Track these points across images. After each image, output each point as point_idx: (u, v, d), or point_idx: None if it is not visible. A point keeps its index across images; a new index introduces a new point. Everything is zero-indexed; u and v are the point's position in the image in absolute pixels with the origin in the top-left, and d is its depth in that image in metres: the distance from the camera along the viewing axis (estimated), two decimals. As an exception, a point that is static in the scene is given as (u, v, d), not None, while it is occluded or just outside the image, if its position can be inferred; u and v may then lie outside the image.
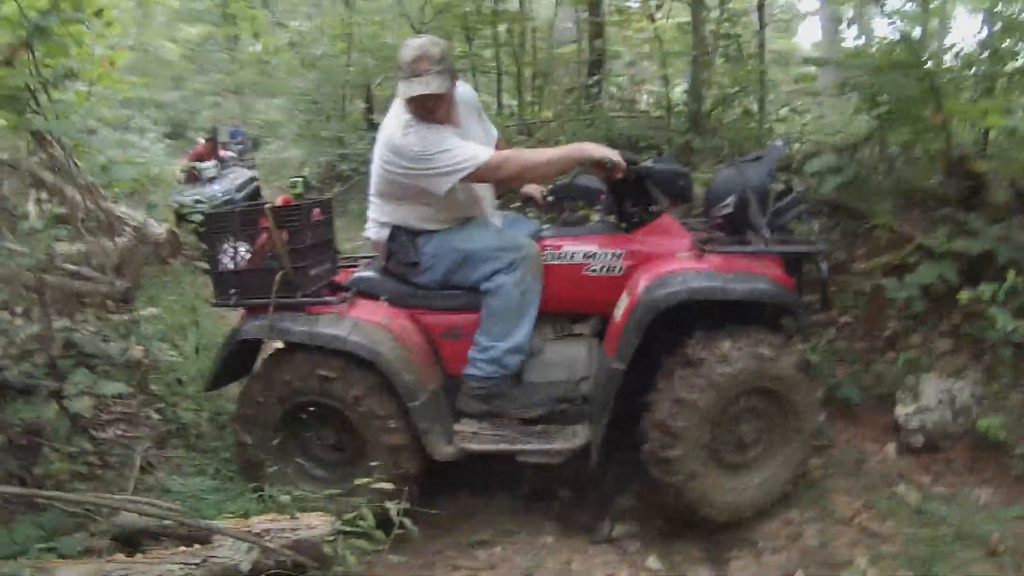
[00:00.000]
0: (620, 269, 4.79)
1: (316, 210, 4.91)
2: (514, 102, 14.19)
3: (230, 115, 21.98)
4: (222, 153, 13.59)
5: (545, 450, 4.70)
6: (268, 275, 4.59)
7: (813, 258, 4.87)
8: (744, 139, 9.46)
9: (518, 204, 6.02)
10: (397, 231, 4.87)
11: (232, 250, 4.69)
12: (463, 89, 5.02)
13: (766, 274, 4.52)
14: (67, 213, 6.50)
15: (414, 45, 4.55)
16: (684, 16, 11.70)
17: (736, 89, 10.33)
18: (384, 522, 3.96)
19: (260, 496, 4.54)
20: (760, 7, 10.55)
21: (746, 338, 4.53)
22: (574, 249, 4.82)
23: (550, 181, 5.25)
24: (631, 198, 4.94)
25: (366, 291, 4.96)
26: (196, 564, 3.58)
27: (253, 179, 13.62)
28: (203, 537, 3.81)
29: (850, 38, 19.09)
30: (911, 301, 6.06)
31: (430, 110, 4.56)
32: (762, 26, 10.63)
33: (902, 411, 5.71)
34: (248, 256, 4.68)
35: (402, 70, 4.52)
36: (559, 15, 15.21)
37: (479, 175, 4.57)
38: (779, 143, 5.34)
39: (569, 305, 4.98)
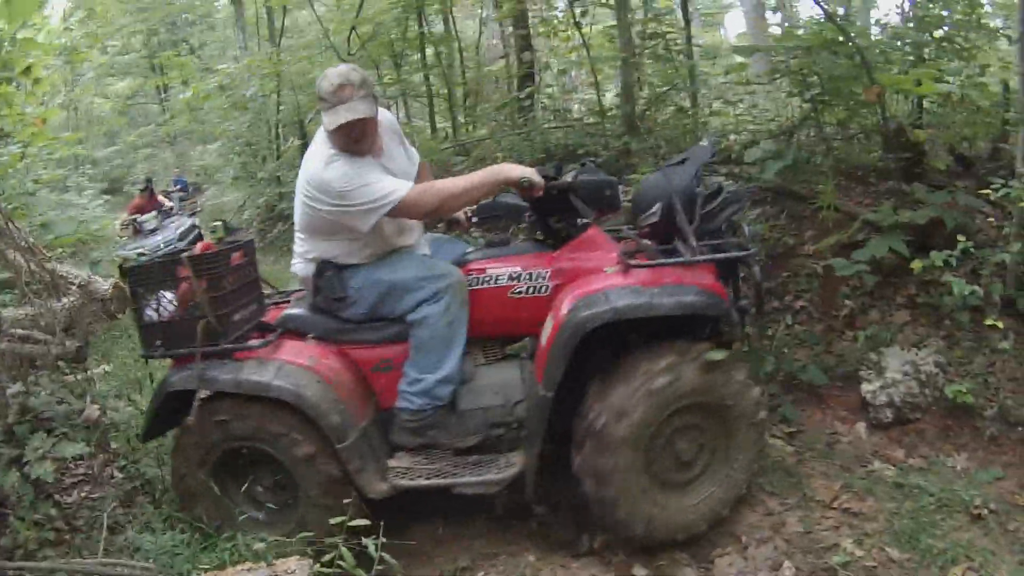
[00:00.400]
0: (547, 289, 4.64)
1: (236, 254, 4.82)
2: (447, 124, 14.09)
3: (165, 165, 21.85)
4: (162, 202, 13.50)
5: (479, 481, 4.54)
6: (192, 324, 4.48)
7: (745, 262, 4.57)
8: (680, 136, 9.49)
9: (443, 227, 5.77)
10: (324, 266, 4.75)
11: (155, 301, 4.58)
12: (383, 115, 4.88)
13: (696, 284, 4.31)
14: (10, 277, 6.38)
15: (334, 74, 4.45)
16: (609, 21, 11.70)
17: (667, 87, 10.34)
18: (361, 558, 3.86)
19: (234, 546, 4.40)
20: (684, 4, 10.56)
21: (679, 351, 4.36)
22: (498, 271, 4.70)
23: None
24: (556, 213, 4.78)
25: (295, 329, 4.86)
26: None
27: (194, 226, 13.49)
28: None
29: (775, 25, 19.18)
30: (862, 277, 6.08)
31: (356, 139, 4.47)
32: (687, 22, 10.63)
33: (868, 388, 5.74)
34: (173, 306, 4.59)
35: (325, 100, 4.39)
36: (485, 32, 15.20)
37: (399, 210, 4.45)
38: (705, 143, 4.94)
39: (498, 329, 4.88)
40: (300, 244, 4.86)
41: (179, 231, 12.75)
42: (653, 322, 4.30)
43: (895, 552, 4.43)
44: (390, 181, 4.45)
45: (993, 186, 5.65)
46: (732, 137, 9.51)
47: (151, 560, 4.27)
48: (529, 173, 4.38)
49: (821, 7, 7.25)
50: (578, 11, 11.44)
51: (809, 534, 4.64)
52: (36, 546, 4.32)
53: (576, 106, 13.25)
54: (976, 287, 5.43)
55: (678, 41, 10.61)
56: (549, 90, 13.35)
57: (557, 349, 4.29)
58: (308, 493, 4.58)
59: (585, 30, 11.67)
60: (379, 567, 3.82)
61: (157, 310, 4.58)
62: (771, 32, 16.12)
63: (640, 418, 4.29)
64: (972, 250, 5.56)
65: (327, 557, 3.86)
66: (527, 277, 4.62)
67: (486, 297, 4.68)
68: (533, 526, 5.02)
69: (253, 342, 4.66)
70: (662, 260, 4.40)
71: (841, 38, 6.64)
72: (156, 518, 4.82)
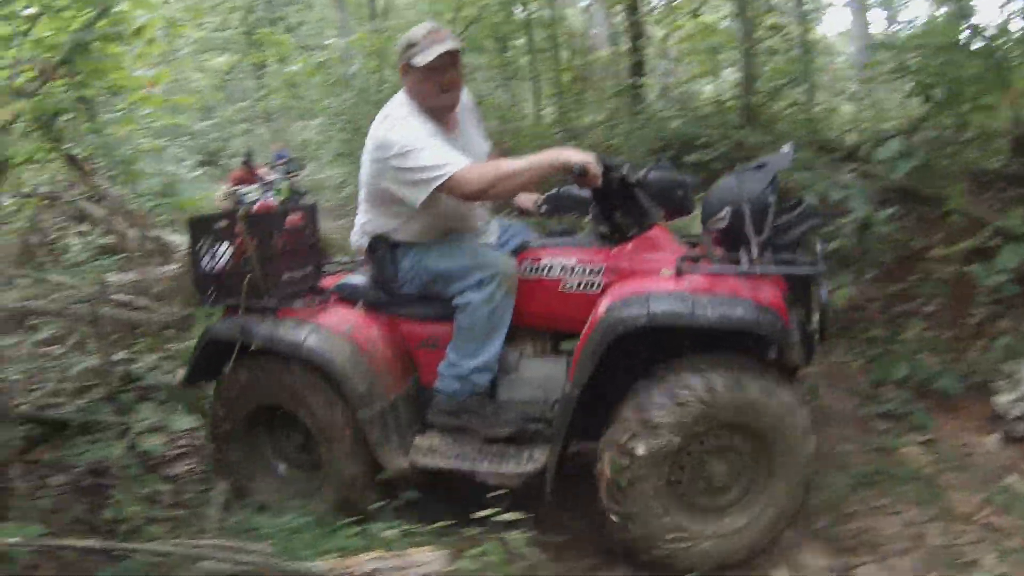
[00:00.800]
0: (598, 286, 4.39)
1: (294, 217, 4.88)
2: (550, 110, 13.93)
3: (261, 141, 21.90)
4: (263, 175, 13.43)
5: (499, 472, 4.37)
6: (242, 278, 4.56)
7: (811, 281, 4.30)
8: (795, 130, 9.21)
9: (514, 213, 5.56)
10: (376, 242, 4.70)
11: (212, 252, 4.67)
12: (463, 94, 4.73)
13: (752, 298, 3.95)
14: (114, 243, 6.33)
15: (420, 26, 4.45)
16: (717, 12, 11.49)
17: (785, 80, 10.09)
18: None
19: (359, 532, 4.22)
20: (800, -4, 10.34)
21: (724, 368, 4.04)
22: (552, 262, 4.50)
23: (537, 190, 4.89)
24: (621, 208, 4.50)
25: (347, 296, 4.86)
26: (296, 613, 3.31)
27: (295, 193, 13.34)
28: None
29: (880, 23, 18.77)
30: (1002, 286, 5.82)
31: (446, 86, 4.40)
32: (803, 15, 10.40)
33: (1002, 400, 5.48)
34: (227, 259, 4.65)
35: (416, 45, 4.32)
36: (592, 19, 15.02)
37: (449, 186, 4.23)
38: (785, 150, 4.52)
39: (548, 322, 4.66)
40: (360, 214, 4.82)
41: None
42: (709, 334, 4.02)
43: (1038, 571, 4.22)
44: (449, 153, 4.28)
45: None
46: (851, 136, 9.28)
47: (267, 542, 4.08)
48: (587, 160, 4.08)
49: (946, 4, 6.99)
50: (698, -1, 11.25)
51: (950, 548, 4.42)
52: (142, 522, 4.19)
53: (691, 95, 13.01)
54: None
55: (792, 34, 10.38)
56: (665, 79, 13.17)
57: (588, 348, 4.09)
58: (330, 460, 4.59)
59: (700, 18, 11.45)
60: (525, 562, 3.66)
61: (212, 260, 4.67)
62: (873, 31, 15.79)
63: (664, 433, 4.00)
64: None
65: (474, 551, 3.72)
66: (580, 271, 4.41)
67: (538, 288, 4.52)
68: None
69: (298, 302, 4.68)
70: (719, 268, 4.13)
71: (963, 39, 6.41)
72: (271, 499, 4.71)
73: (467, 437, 4.58)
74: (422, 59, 4.26)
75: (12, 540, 3.33)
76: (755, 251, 4.12)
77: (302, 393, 4.56)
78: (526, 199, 5.09)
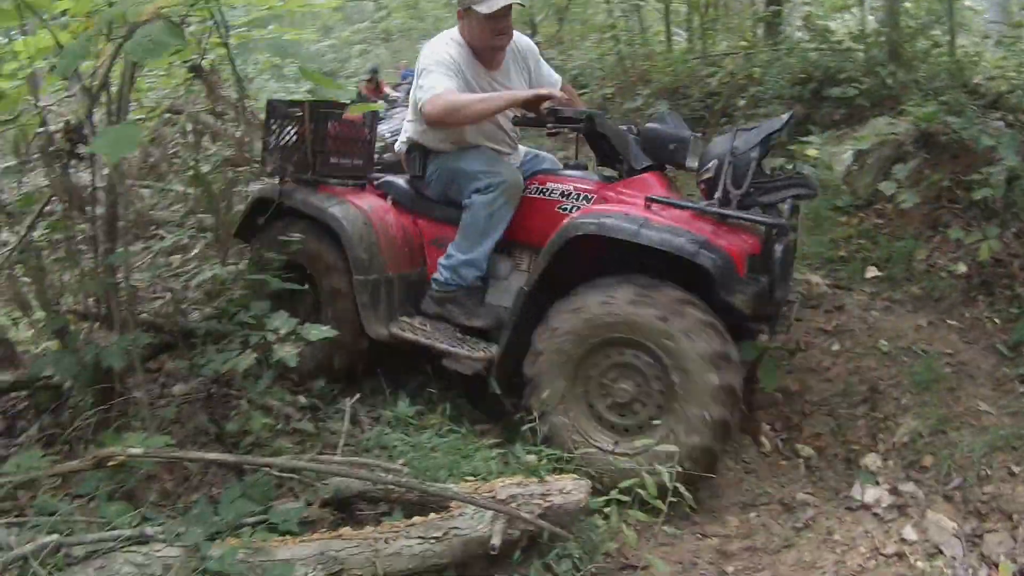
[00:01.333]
0: None
1: (352, 115, 5.41)
2: (682, 38, 13.61)
3: (380, 61, 21.87)
4: (388, 92, 13.38)
5: (455, 353, 4.88)
6: (297, 153, 5.29)
7: (770, 235, 4.50)
8: (941, 73, 8.82)
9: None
10: (412, 147, 5.29)
11: (279, 131, 5.33)
12: (521, 39, 5.36)
13: (703, 235, 4.29)
14: (236, 155, 6.30)
15: None
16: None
17: (934, 19, 9.66)
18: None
19: (499, 455, 4.22)
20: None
21: (626, 286, 4.38)
22: (554, 187, 5.00)
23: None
24: (606, 153, 5.06)
25: (383, 189, 5.53)
26: (437, 538, 3.22)
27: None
28: (436, 504, 3.48)
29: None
30: None
31: (501, 31, 4.95)
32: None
33: None
34: (291, 138, 5.32)
35: None
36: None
37: (425, 106, 4.78)
38: (784, 116, 4.82)
39: (543, 239, 4.78)
40: (404, 124, 5.42)
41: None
42: (657, 257, 4.34)
43: None
44: (446, 80, 4.81)
45: None
46: (995, 80, 8.86)
47: (401, 461, 4.04)
48: (537, 99, 4.72)
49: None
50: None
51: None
52: (269, 435, 4.16)
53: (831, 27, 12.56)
54: None
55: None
56: (807, 8, 12.74)
57: (545, 250, 4.58)
58: (328, 320, 5.02)
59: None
60: (673, 499, 3.54)
61: (280, 139, 5.33)
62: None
63: (561, 336, 4.46)
64: None
65: (627, 482, 3.67)
66: (574, 197, 4.88)
67: (538, 206, 4.99)
68: (803, 469, 4.92)
69: (335, 181, 5.40)
70: (679, 202, 4.57)
71: None
72: (404, 416, 4.70)
73: (447, 325, 5.08)
74: (486, 8, 4.78)
75: (135, 450, 3.26)
76: (719, 195, 4.51)
77: (317, 253, 5.22)
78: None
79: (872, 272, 6.44)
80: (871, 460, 4.88)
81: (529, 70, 5.40)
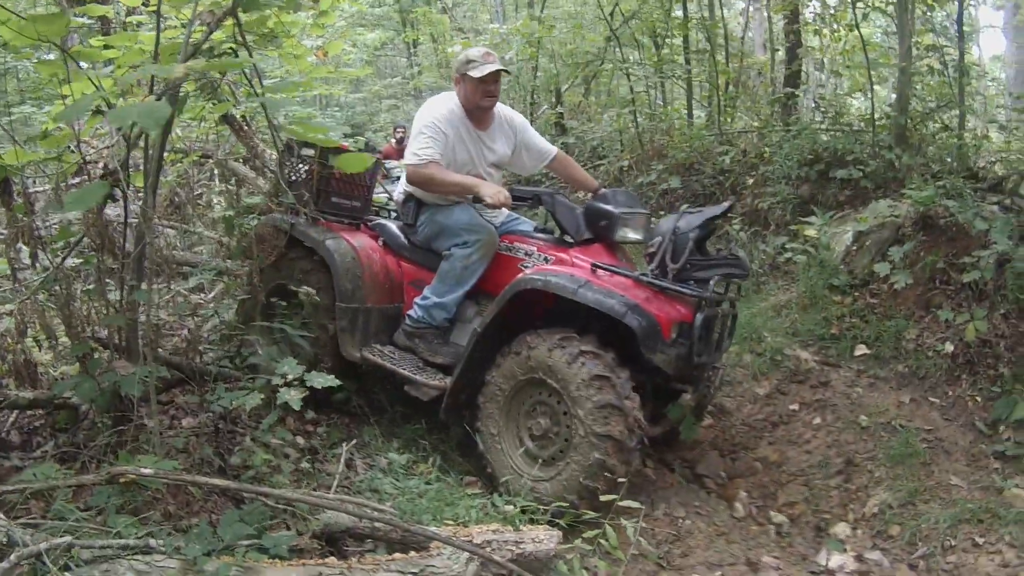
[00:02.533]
0: None
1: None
2: (702, 113, 13.83)
3: (408, 117, 22.15)
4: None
5: (415, 380, 5.37)
6: (305, 190, 5.81)
7: (698, 306, 4.98)
8: (946, 155, 9.05)
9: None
10: (408, 197, 5.83)
11: (295, 169, 5.95)
12: (510, 111, 6.09)
13: (636, 301, 4.86)
14: (261, 204, 6.59)
15: (476, 48, 5.71)
16: (873, 25, 11.22)
17: (942, 104, 9.87)
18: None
19: (482, 504, 4.48)
20: (960, 18, 10.04)
21: (551, 336, 4.95)
22: (520, 247, 5.55)
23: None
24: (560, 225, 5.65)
25: (375, 230, 6.17)
26: (414, 574, 3.40)
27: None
28: (417, 544, 3.67)
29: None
30: None
31: (491, 93, 5.58)
32: (961, 35, 10.12)
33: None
34: (302, 175, 5.94)
35: (474, 61, 5.48)
36: (748, 23, 14.85)
37: (409, 171, 5.51)
38: (725, 204, 5.91)
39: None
40: (404, 176, 5.84)
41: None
42: (593, 315, 4.94)
43: None
44: (434, 148, 5.46)
45: None
46: (997, 164, 9.09)
47: (389, 503, 4.30)
48: (491, 197, 5.23)
49: None
50: (859, 13, 10.98)
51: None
52: (268, 470, 4.36)
53: (842, 109, 12.74)
54: None
55: (951, 55, 10.14)
56: (821, 90, 12.96)
57: (498, 298, 5.19)
58: (312, 329, 5.60)
59: (855, 33, 11.24)
60: (635, 552, 3.75)
61: (293, 175, 5.94)
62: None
63: (501, 374, 5.14)
64: None
65: (589, 533, 3.89)
66: (536, 257, 5.43)
67: (504, 262, 5.54)
68: (773, 535, 5.13)
69: (335, 221, 5.95)
70: (621, 270, 5.13)
71: None
72: (396, 464, 4.96)
73: (413, 357, 5.63)
74: (478, 72, 5.45)
75: (147, 471, 3.48)
76: (653, 267, 5.18)
77: (309, 276, 5.71)
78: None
79: (861, 350, 6.63)
80: (840, 529, 5.10)
81: (515, 139, 6.00)
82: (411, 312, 5.68)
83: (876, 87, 11.13)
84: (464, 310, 5.70)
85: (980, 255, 6.41)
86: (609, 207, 5.35)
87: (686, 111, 13.55)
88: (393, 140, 15.13)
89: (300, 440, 4.98)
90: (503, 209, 5.66)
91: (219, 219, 7.49)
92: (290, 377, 4.34)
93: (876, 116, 9.89)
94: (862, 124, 10.50)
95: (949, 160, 8.88)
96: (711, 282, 5.00)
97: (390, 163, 12.61)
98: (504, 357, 5.13)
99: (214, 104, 6.26)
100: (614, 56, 13.79)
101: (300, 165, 5.93)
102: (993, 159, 9.39)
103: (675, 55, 13.85)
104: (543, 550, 3.72)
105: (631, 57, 14.08)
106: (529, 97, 15.56)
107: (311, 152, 5.82)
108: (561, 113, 14.93)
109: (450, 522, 4.12)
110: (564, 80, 14.93)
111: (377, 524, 3.82)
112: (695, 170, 10.83)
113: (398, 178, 11.92)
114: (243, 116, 7.65)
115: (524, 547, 3.69)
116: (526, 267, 5.37)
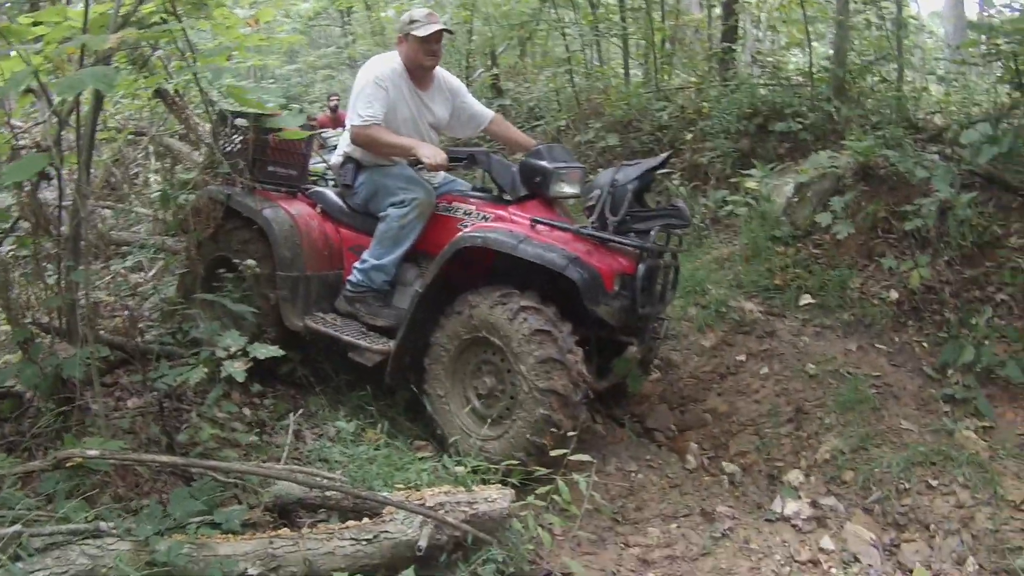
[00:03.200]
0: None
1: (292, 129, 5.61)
2: (639, 71, 13.85)
3: (344, 87, 21.96)
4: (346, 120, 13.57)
5: (359, 346, 5.32)
6: (240, 159, 5.68)
7: (639, 257, 5.02)
8: (885, 107, 9.11)
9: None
10: (346, 160, 5.82)
11: (230, 139, 5.87)
12: (447, 74, 6.09)
13: (576, 254, 4.85)
14: (197, 178, 6.52)
15: (419, 9, 5.74)
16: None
17: (878, 57, 9.95)
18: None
19: (433, 467, 4.44)
20: (897, -29, 10.13)
21: (492, 293, 4.96)
22: (459, 206, 5.51)
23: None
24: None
25: (312, 198, 6.08)
26: (368, 540, 3.41)
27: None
28: (370, 510, 3.66)
29: (974, 5, 18.26)
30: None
31: (433, 52, 5.64)
32: (900, -12, 10.20)
33: (1058, 389, 5.58)
34: (239, 146, 5.82)
35: (418, 21, 5.52)
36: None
37: (354, 130, 5.50)
38: (663, 155, 5.79)
39: None
40: (342, 139, 5.96)
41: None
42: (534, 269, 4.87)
43: (1084, 566, 4.24)
44: (376, 108, 5.45)
45: None
46: (937, 115, 9.17)
47: (339, 471, 4.27)
48: (429, 158, 5.24)
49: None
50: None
51: (996, 533, 4.46)
52: (217, 445, 4.31)
53: (781, 64, 12.78)
54: None
55: (890, 10, 10.20)
56: (758, 45, 13.00)
57: (437, 258, 5.15)
58: (252, 302, 5.34)
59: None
60: (589, 507, 3.75)
61: (229, 145, 5.85)
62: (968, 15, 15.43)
63: (443, 333, 5.14)
64: None
65: (542, 490, 3.87)
66: (474, 215, 5.39)
67: (443, 222, 5.50)
68: (726, 485, 5.19)
69: (271, 189, 5.90)
70: (560, 224, 5.08)
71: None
72: (344, 432, 4.89)
73: (356, 323, 5.58)
74: (422, 32, 5.47)
75: (92, 452, 3.44)
76: (594, 220, 5.14)
77: (248, 246, 5.65)
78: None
79: (806, 299, 6.66)
80: (794, 476, 5.13)
81: (452, 102, 6.03)
82: (351, 277, 5.64)
83: (815, 44, 11.19)
84: (404, 273, 5.66)
85: (922, 203, 6.50)
86: (543, 163, 5.29)
87: (623, 69, 13.54)
88: (327, 109, 14.98)
89: (247, 413, 4.93)
90: (440, 172, 5.75)
91: (155, 197, 7.37)
92: (233, 349, 4.29)
93: (814, 70, 9.95)
94: (800, 78, 10.57)
95: (888, 112, 8.92)
96: (651, 233, 5.02)
97: (326, 132, 12.55)
98: (447, 318, 5.11)
99: (145, 78, 6.14)
100: (549, 16, 13.76)
101: (235, 135, 5.85)
102: (932, 110, 9.46)
103: (611, 14, 13.83)
104: (497, 509, 3.73)
105: (567, 17, 14.05)
106: (465, 60, 15.50)
107: (245, 121, 5.73)
108: (497, 75, 14.89)
109: (401, 486, 4.10)
110: (499, 42, 14.88)
111: (329, 493, 3.82)
112: (633, 127, 10.85)
113: (334, 147, 11.85)
114: (176, 90, 7.53)
115: (478, 507, 3.70)
116: (465, 227, 5.32)
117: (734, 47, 12.04)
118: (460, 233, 5.15)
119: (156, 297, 6.00)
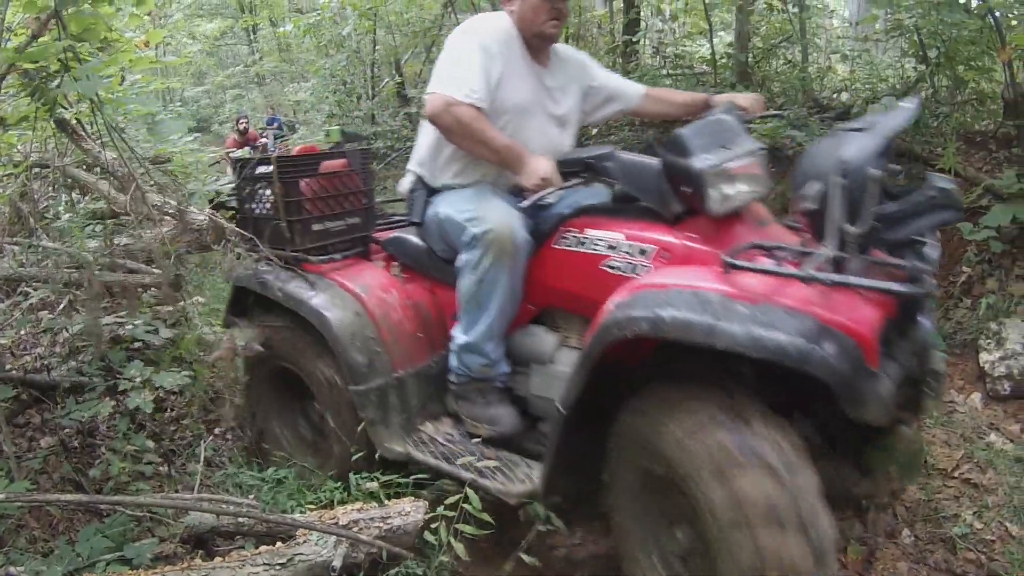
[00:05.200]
0: (645, 270, 3.37)
1: (333, 162, 4.41)
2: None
3: (253, 106, 21.88)
4: (257, 140, 13.56)
5: (488, 487, 3.67)
6: (273, 224, 4.29)
7: (912, 306, 2.90)
8: (791, 90, 9.21)
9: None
10: (417, 181, 4.27)
11: (258, 196, 4.40)
12: (574, 51, 4.48)
13: (807, 314, 2.65)
14: (104, 208, 6.37)
15: None
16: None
17: (780, 39, 10.07)
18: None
19: (345, 486, 4.20)
20: (795, -48, 10.25)
21: (693, 414, 2.99)
22: (597, 235, 3.58)
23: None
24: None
25: (391, 249, 4.48)
26: (282, 564, 3.32)
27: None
28: (284, 533, 3.59)
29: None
30: (988, 243, 5.86)
31: (555, 16, 3.93)
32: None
33: (987, 358, 5.57)
34: (268, 204, 4.35)
35: None
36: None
37: (440, 107, 3.74)
38: (906, 104, 3.17)
39: (590, 308, 3.41)
40: (416, 149, 4.33)
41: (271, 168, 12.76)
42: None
43: (1015, 528, 4.24)
44: (478, 83, 3.75)
45: None
46: (843, 93, 9.29)
47: (251, 496, 4.18)
48: (530, 177, 3.65)
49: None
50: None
51: (929, 502, 4.46)
52: (128, 479, 4.21)
53: (684, 53, 12.90)
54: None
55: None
56: (659, 35, 13.08)
57: (582, 356, 3.20)
58: (332, 431, 4.27)
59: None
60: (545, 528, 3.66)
61: (259, 204, 4.40)
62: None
63: (614, 470, 3.38)
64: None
65: (452, 499, 3.57)
66: (626, 249, 3.44)
67: (577, 263, 3.62)
68: None
69: (319, 257, 4.27)
70: (768, 268, 2.91)
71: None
72: (252, 454, 4.80)
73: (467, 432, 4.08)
74: None
75: (-1, 496, 3.37)
76: (831, 245, 2.86)
77: (308, 357, 4.27)
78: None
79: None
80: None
81: (581, 82, 4.33)
82: (450, 362, 4.05)
83: (721, 33, 11.29)
84: (534, 342, 3.94)
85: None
86: (689, 159, 3.17)
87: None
88: (236, 132, 14.82)
89: (149, 443, 4.71)
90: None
91: (64, 230, 7.24)
92: (138, 380, 4.20)
93: (718, 56, 10.02)
94: (705, 66, 10.65)
95: (794, 93, 9.03)
96: (928, 246, 2.94)
97: (235, 153, 12.46)
98: (613, 443, 3.30)
99: (40, 105, 6.00)
100: (451, 21, 13.75)
101: (262, 190, 4.35)
102: (838, 89, 9.60)
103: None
104: (411, 522, 3.62)
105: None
106: (370, 71, 15.46)
107: (269, 168, 4.19)
108: (401, 83, 14.85)
109: (314, 506, 4.00)
110: (404, 50, 14.86)
111: (241, 519, 3.71)
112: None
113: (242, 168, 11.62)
114: (75, 118, 7.41)
115: (391, 522, 3.59)
116: (615, 268, 3.42)
117: (635, 40, 12.08)
118: (612, 310, 3.07)
119: (66, 333, 5.70)
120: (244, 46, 28.06)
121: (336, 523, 3.50)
